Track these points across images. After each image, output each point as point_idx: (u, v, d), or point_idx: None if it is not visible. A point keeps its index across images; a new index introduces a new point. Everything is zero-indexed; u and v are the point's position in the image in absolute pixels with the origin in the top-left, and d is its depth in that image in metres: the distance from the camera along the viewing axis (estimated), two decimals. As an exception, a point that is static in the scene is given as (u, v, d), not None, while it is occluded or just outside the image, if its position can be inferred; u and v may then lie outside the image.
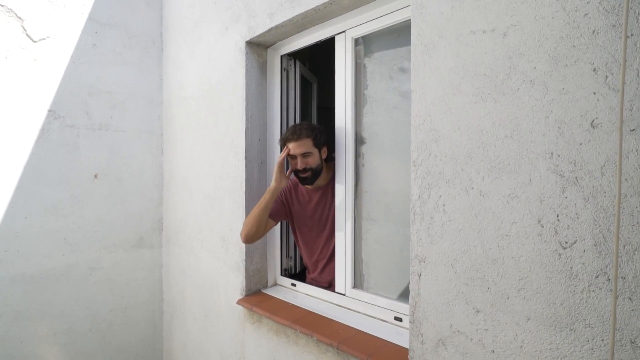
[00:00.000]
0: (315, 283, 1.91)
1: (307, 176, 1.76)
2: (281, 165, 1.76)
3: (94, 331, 2.36)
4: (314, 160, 1.75)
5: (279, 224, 2.01)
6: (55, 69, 2.18)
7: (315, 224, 1.90)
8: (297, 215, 1.93)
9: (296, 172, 1.76)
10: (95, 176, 2.35)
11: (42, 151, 2.15)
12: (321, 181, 1.86)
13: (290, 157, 1.76)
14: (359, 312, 1.63)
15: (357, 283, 1.69)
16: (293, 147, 1.73)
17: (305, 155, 1.73)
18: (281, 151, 1.83)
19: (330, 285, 1.85)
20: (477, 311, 1.06)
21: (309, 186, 1.88)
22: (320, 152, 1.78)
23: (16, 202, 2.07)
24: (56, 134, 2.19)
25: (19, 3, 2.05)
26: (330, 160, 1.89)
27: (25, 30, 2.08)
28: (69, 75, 2.23)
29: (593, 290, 0.86)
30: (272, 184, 1.77)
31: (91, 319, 2.35)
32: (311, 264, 1.95)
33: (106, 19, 2.37)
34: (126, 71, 2.46)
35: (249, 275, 1.97)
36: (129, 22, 2.46)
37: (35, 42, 2.11)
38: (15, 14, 2.04)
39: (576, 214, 0.88)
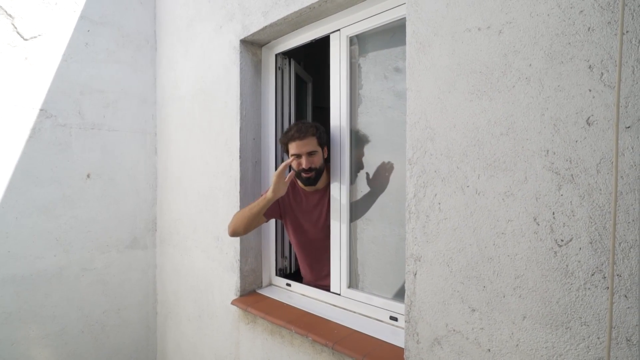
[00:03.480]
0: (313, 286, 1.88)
1: (311, 176, 1.68)
2: (282, 173, 1.66)
3: (86, 333, 2.33)
4: (319, 160, 1.68)
5: (272, 221, 1.99)
6: (46, 67, 2.16)
7: (311, 227, 1.84)
8: (291, 217, 1.86)
9: (300, 171, 1.69)
10: (88, 176, 2.32)
11: (33, 151, 2.12)
12: (320, 184, 1.78)
13: (293, 156, 1.68)
14: (355, 312, 1.62)
15: (353, 283, 1.68)
16: (298, 145, 1.64)
17: (311, 154, 1.66)
18: (285, 152, 1.75)
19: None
20: (473, 310, 1.05)
21: (306, 188, 1.80)
22: (322, 151, 1.71)
23: (7, 202, 2.04)
24: (48, 133, 2.17)
25: (9, 0, 2.02)
26: (327, 163, 1.82)
27: (15, 28, 2.05)
28: (60, 74, 2.20)
29: (589, 288, 0.86)
30: (269, 194, 1.66)
31: (84, 320, 2.32)
32: (306, 267, 1.92)
33: (99, 17, 2.34)
34: (119, 70, 2.44)
35: (243, 276, 1.95)
36: (122, 20, 2.44)
37: (26, 40, 2.09)
38: (5, 12, 2.02)
39: (572, 211, 0.88)
